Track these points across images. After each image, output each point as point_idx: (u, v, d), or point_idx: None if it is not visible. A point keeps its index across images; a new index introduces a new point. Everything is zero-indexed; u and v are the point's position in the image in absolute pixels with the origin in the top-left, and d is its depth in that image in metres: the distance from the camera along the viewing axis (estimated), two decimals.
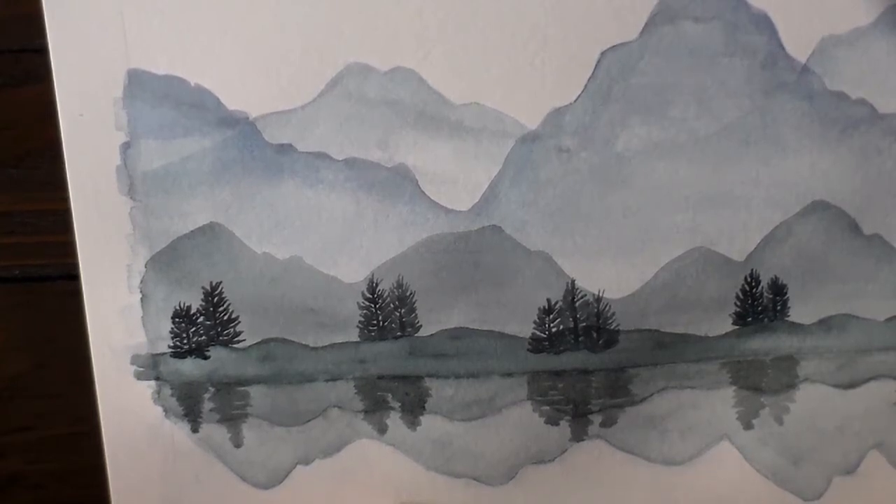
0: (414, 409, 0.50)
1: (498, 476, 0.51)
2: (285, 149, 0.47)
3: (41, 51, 0.46)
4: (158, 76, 0.46)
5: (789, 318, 0.49)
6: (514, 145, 0.47)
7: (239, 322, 0.49)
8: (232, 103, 0.47)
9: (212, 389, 0.50)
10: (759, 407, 0.50)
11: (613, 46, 0.46)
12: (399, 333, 0.49)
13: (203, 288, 0.49)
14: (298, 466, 0.51)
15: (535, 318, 0.49)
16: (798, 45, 0.46)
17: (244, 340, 0.49)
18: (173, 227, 0.48)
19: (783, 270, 0.49)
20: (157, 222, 0.48)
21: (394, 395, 0.50)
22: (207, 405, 0.50)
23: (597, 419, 0.50)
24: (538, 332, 0.49)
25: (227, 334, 0.49)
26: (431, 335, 0.49)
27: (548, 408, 0.50)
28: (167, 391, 0.50)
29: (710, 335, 0.49)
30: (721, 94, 0.47)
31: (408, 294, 0.49)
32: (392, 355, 0.50)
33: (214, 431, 0.50)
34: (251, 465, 0.51)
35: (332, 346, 0.49)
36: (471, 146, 0.47)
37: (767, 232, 0.48)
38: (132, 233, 0.48)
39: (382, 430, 0.50)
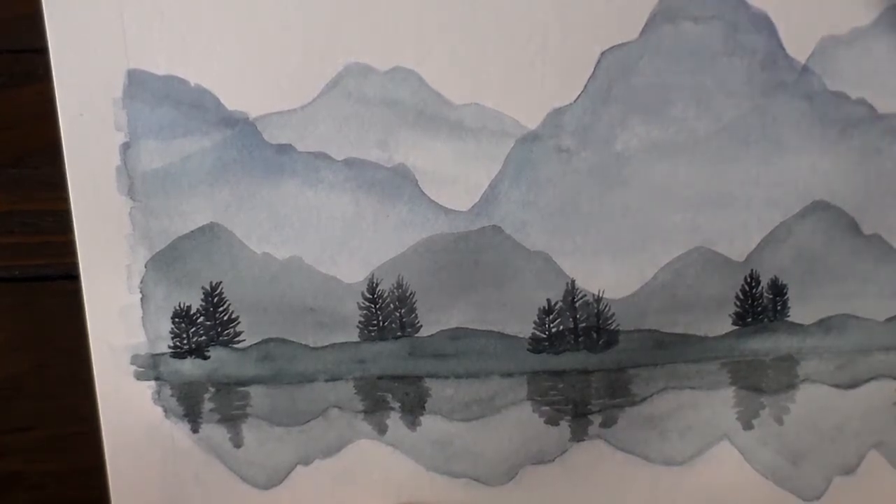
0: (414, 409, 0.50)
1: (498, 476, 0.51)
2: (285, 149, 0.47)
3: (41, 51, 0.46)
4: (158, 76, 0.46)
5: (789, 319, 0.49)
6: (514, 145, 0.47)
7: (239, 322, 0.49)
8: (232, 103, 0.47)
9: (212, 389, 0.50)
10: (759, 407, 0.50)
11: (613, 46, 0.46)
12: (399, 333, 0.49)
13: (203, 288, 0.49)
14: (298, 467, 0.51)
15: (535, 318, 0.49)
16: (798, 45, 0.46)
17: (244, 340, 0.49)
18: (173, 227, 0.48)
19: (783, 270, 0.49)
20: (157, 222, 0.48)
21: (394, 395, 0.50)
22: (207, 405, 0.50)
23: (597, 419, 0.50)
24: (538, 333, 0.49)
25: (227, 334, 0.49)
26: (431, 335, 0.49)
27: (547, 408, 0.50)
28: (167, 391, 0.50)
29: (710, 335, 0.49)
30: (721, 94, 0.47)
31: (408, 294, 0.49)
32: (392, 355, 0.50)
33: (214, 431, 0.50)
34: (251, 465, 0.51)
35: (332, 346, 0.49)
36: (471, 146, 0.47)
37: (767, 232, 0.48)
38: (132, 233, 0.48)
39: (382, 430, 0.50)
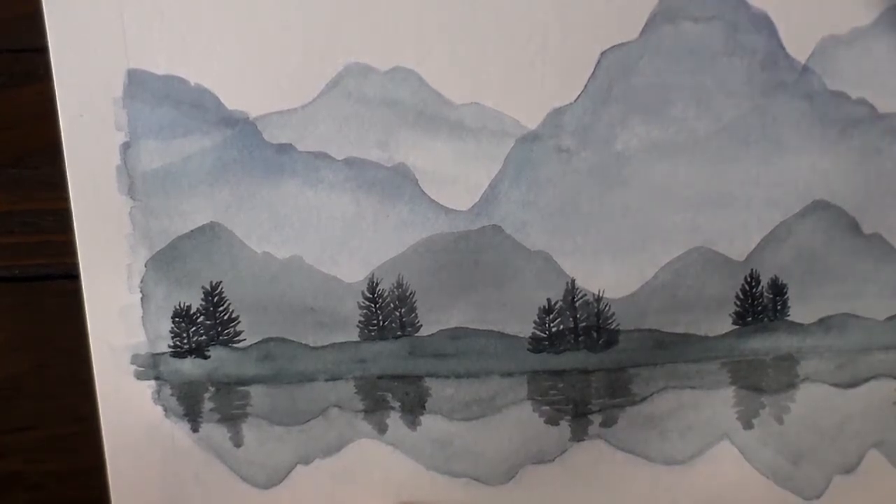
0: (414, 408, 0.50)
1: (498, 476, 0.51)
2: (285, 148, 0.47)
3: (41, 51, 0.46)
4: (158, 76, 0.46)
5: (789, 318, 0.49)
6: (514, 145, 0.47)
7: (239, 322, 0.49)
8: (232, 103, 0.47)
9: (212, 389, 0.50)
10: (759, 407, 0.50)
11: (613, 46, 0.46)
12: (399, 333, 0.49)
13: (203, 288, 0.49)
14: (298, 466, 0.51)
15: (535, 317, 0.49)
16: (798, 45, 0.46)
17: (244, 340, 0.49)
18: (173, 226, 0.48)
19: (783, 270, 0.49)
20: (157, 222, 0.48)
21: (394, 394, 0.50)
22: (207, 405, 0.50)
23: (597, 419, 0.50)
24: (538, 332, 0.49)
25: (227, 334, 0.49)
26: (431, 335, 0.49)
27: (548, 408, 0.50)
28: (167, 391, 0.50)
29: (710, 335, 0.49)
30: (721, 93, 0.47)
31: (408, 294, 0.49)
32: (392, 355, 0.50)
33: (214, 431, 0.50)
34: (251, 464, 0.51)
35: (332, 345, 0.49)
36: (471, 146, 0.47)
37: (767, 232, 0.48)
38: (132, 232, 0.48)
39: (382, 429, 0.50)
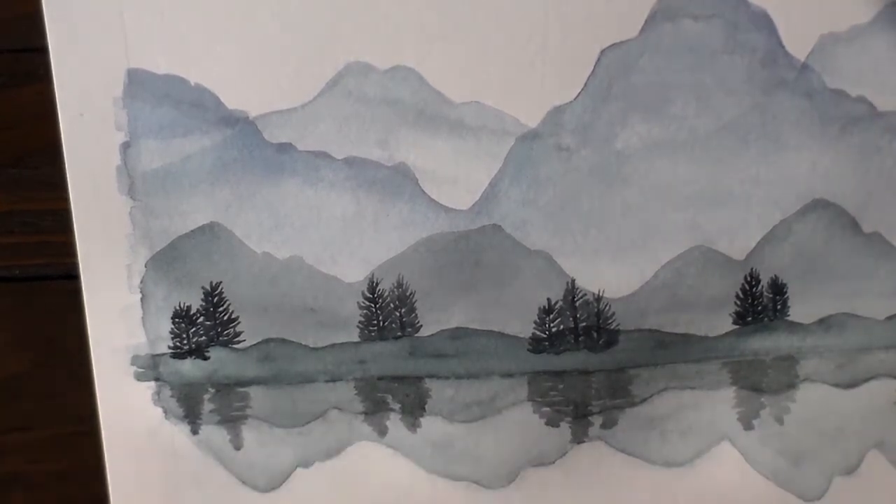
0: (414, 410, 0.50)
1: (498, 478, 0.51)
2: (285, 148, 0.47)
3: (41, 51, 0.46)
4: (158, 76, 0.46)
5: (789, 318, 0.49)
6: (514, 144, 0.47)
7: (239, 322, 0.49)
8: (232, 103, 0.47)
9: (212, 390, 0.50)
10: (759, 407, 0.50)
11: (613, 44, 0.46)
12: (399, 333, 0.49)
13: (203, 288, 0.49)
14: (298, 469, 0.51)
15: (536, 318, 0.49)
16: (798, 43, 0.46)
17: (244, 341, 0.49)
18: (173, 226, 0.48)
19: (783, 269, 0.49)
20: (157, 222, 0.48)
21: (394, 396, 0.50)
22: (207, 406, 0.50)
23: (597, 420, 0.50)
24: (538, 332, 0.49)
25: (227, 334, 0.49)
26: (431, 335, 0.49)
27: (548, 409, 0.50)
28: (167, 392, 0.50)
29: (710, 335, 0.49)
30: (721, 91, 0.47)
31: (408, 294, 0.49)
32: (392, 355, 0.49)
33: (214, 433, 0.50)
34: (251, 467, 0.51)
35: (332, 346, 0.49)
36: (471, 145, 0.47)
37: (767, 230, 0.48)
38: (132, 232, 0.48)
39: (382, 432, 0.50)
